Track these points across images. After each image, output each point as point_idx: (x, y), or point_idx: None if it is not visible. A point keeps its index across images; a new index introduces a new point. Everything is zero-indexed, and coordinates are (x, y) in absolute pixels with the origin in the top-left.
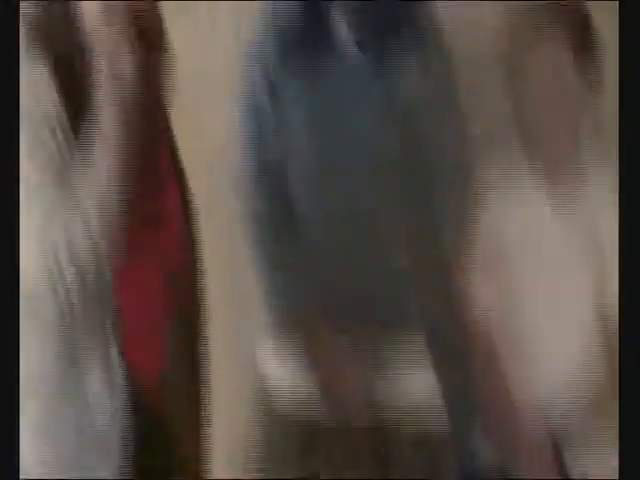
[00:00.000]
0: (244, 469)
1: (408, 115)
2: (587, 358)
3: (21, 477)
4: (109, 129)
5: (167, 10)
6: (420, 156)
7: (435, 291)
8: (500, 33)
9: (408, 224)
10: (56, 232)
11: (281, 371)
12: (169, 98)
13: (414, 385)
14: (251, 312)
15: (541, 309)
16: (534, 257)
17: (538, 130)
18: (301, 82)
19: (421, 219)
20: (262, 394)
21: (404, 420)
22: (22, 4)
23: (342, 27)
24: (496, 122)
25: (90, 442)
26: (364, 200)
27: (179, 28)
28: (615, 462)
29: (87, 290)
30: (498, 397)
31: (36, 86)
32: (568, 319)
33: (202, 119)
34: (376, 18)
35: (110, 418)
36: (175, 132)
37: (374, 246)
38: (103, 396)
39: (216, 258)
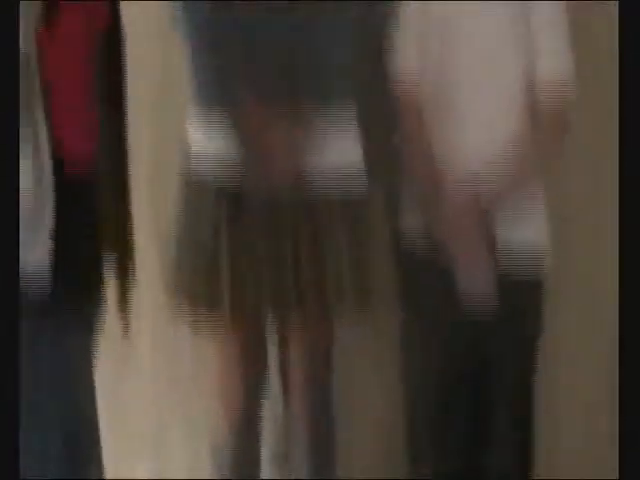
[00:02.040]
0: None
1: None
2: (515, 128)
3: None
4: None
5: None
6: None
7: (367, 62)
8: None
9: None
10: None
11: (209, 141)
12: None
13: (342, 154)
14: (179, 87)
15: (472, 79)
16: (467, 31)
17: None
18: None
19: None
20: (188, 163)
21: (330, 186)
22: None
23: None
24: None
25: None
26: None
27: None
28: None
29: None
30: (424, 161)
31: None
32: (498, 90)
33: None
34: None
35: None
36: None
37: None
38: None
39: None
